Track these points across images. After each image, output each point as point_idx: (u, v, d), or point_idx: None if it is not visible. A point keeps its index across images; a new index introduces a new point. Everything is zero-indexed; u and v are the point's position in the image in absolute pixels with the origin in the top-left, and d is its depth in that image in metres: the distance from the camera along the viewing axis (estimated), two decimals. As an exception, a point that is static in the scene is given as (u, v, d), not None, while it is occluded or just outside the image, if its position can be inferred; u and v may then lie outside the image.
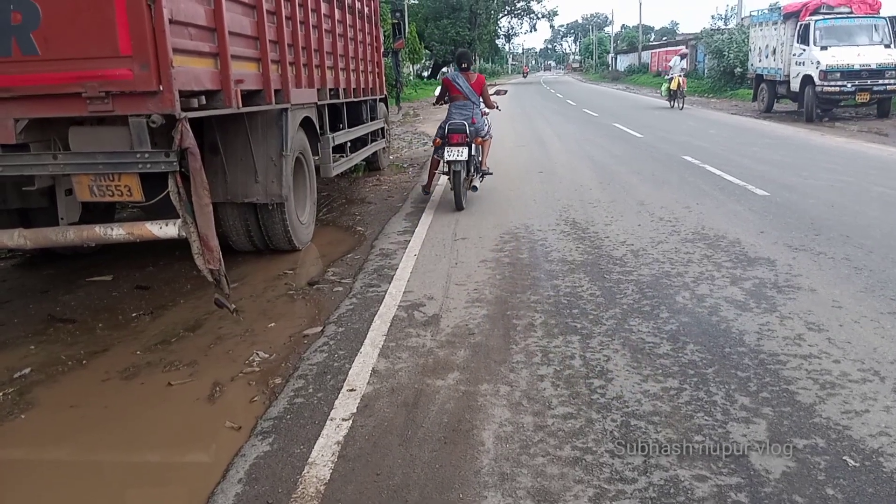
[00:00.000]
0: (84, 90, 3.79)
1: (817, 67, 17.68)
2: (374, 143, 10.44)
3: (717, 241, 6.01)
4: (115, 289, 5.52)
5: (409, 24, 41.81)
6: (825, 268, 5.11)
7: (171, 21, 3.87)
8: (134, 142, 3.92)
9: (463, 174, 7.67)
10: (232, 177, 5.80)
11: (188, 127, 3.90)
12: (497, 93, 9.49)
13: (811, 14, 18.83)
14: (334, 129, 8.01)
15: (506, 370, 3.61)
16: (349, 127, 8.72)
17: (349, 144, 8.57)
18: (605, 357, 3.71)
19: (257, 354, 4.04)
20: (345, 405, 3.31)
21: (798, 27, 18.90)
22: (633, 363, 3.62)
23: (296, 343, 4.22)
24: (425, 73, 56.36)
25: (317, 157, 7.27)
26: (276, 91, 5.69)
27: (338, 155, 8.10)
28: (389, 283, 5.22)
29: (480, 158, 8.21)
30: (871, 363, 3.49)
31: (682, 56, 24.63)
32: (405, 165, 12.25)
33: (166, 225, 4.12)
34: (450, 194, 8.02)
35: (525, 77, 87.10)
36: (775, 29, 20.58)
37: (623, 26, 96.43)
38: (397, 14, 13.18)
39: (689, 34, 57.24)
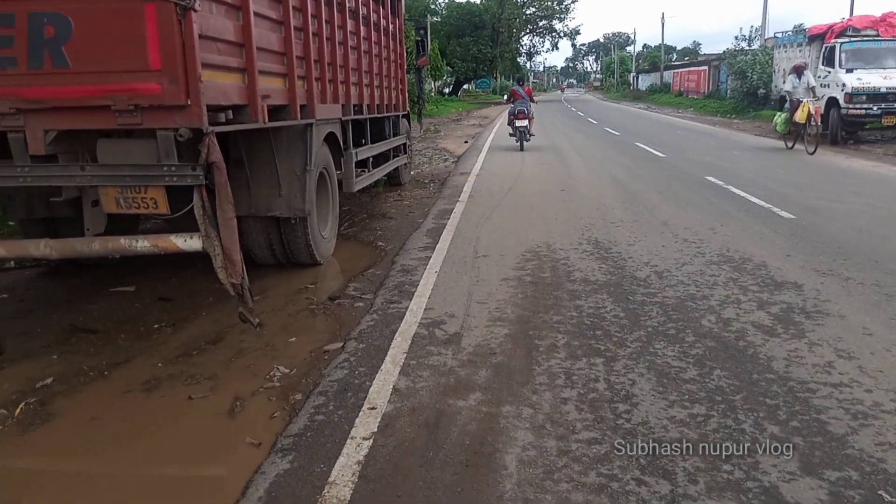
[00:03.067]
0: (113, 103, 3.82)
1: (842, 90, 17.51)
2: (396, 159, 10.47)
3: (742, 263, 5.92)
4: (138, 300, 5.55)
5: (431, 41, 42.14)
6: (854, 293, 5.01)
7: (200, 36, 3.89)
8: (161, 155, 3.94)
9: (527, 134, 16.46)
10: (256, 190, 5.82)
11: (215, 141, 3.92)
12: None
13: (837, 36, 18.71)
14: (357, 144, 8.05)
15: (528, 392, 3.56)
16: (372, 142, 8.75)
17: (371, 160, 8.60)
18: (630, 381, 3.64)
19: (278, 369, 4.02)
20: (365, 424, 3.27)
21: (823, 49, 18.77)
22: (658, 388, 3.55)
23: (316, 359, 4.20)
24: (446, 90, 56.64)
25: (339, 172, 7.29)
26: (301, 106, 5.71)
27: (360, 170, 8.13)
28: (410, 299, 5.20)
29: (529, 126, 16.60)
30: (905, 394, 3.39)
31: (799, 71, 16.00)
32: (426, 181, 12.26)
33: (191, 238, 4.13)
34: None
35: (562, 93, 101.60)
36: (800, 51, 20.48)
37: (645, 46, 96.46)
38: (421, 31, 13.24)
39: (712, 55, 57.15)
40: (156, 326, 4.90)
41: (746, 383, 3.57)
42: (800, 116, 14.94)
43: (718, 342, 4.16)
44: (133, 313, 5.23)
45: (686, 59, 71.24)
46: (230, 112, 4.41)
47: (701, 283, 5.40)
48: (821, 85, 18.79)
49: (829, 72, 18.35)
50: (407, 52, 13.22)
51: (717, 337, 4.25)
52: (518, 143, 16.49)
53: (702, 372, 3.73)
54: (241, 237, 6.18)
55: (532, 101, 17.12)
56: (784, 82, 17.98)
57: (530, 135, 16.66)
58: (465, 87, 65.93)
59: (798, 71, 15.89)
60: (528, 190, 10.56)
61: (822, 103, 18.44)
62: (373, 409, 3.41)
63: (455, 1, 57.77)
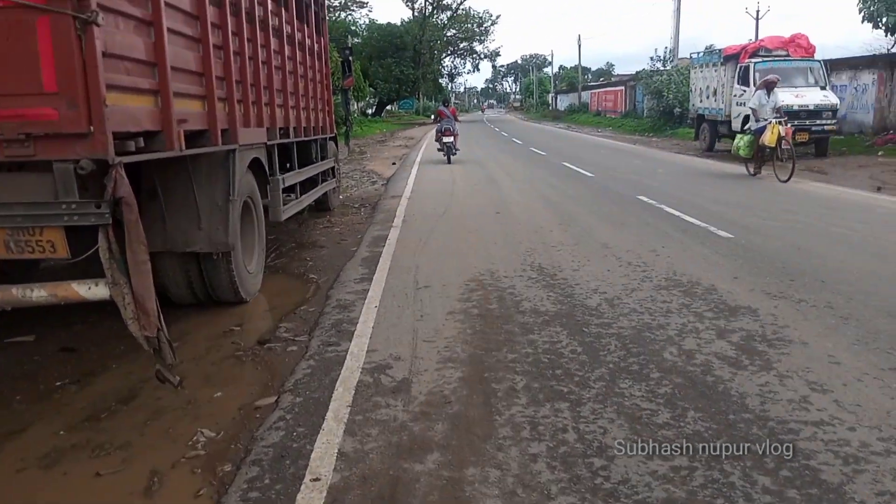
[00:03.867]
0: (0, 132, 3.27)
1: (758, 108, 18.14)
2: (324, 184, 9.99)
3: (692, 287, 5.75)
4: (38, 351, 4.88)
5: (353, 61, 41.74)
6: (810, 317, 4.88)
7: (105, 54, 3.39)
8: (59, 191, 3.40)
9: (453, 149, 18.30)
10: (172, 224, 5.27)
11: (123, 174, 3.41)
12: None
13: (750, 56, 19.39)
14: (284, 169, 7.56)
15: (492, 448, 3.18)
16: (299, 167, 8.27)
17: (299, 186, 8.11)
18: (601, 429, 3.32)
19: (202, 433, 3.51)
20: (309, 500, 2.82)
21: (738, 69, 19.41)
22: (632, 435, 3.24)
23: (246, 417, 3.70)
24: (370, 111, 56.30)
25: (265, 200, 6.78)
26: (222, 131, 5.22)
27: (288, 197, 7.63)
28: (350, 340, 4.75)
29: (455, 142, 18.46)
30: (890, 430, 3.20)
31: (770, 88, 13.71)
32: (356, 206, 11.81)
33: (96, 285, 3.58)
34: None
35: (483, 113, 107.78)
36: (715, 71, 21.13)
37: (561, 67, 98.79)
38: (346, 51, 12.84)
39: (626, 75, 58.92)
40: (58, 384, 4.28)
41: (724, 426, 3.30)
42: (769, 139, 12.97)
43: (685, 378, 3.90)
44: (32, 368, 4.57)
45: (601, 79, 73.29)
46: (141, 139, 3.89)
47: (654, 310, 5.17)
48: (737, 103, 19.45)
49: (745, 90, 18.97)
50: (332, 73, 12.81)
51: (682, 372, 3.99)
52: (446, 157, 18.57)
53: (675, 414, 3.45)
54: (155, 275, 5.67)
55: (456, 120, 19.59)
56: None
57: (456, 149, 18.78)
58: (389, 107, 65.76)
59: (768, 87, 13.77)
60: (462, 212, 10.27)
61: (739, 121, 19.09)
62: (316, 480, 2.96)
63: (376, 22, 57.69)
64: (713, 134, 21.40)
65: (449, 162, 18.25)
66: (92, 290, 3.58)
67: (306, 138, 8.55)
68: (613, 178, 14.18)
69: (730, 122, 20.00)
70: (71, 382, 4.29)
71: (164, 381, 3.63)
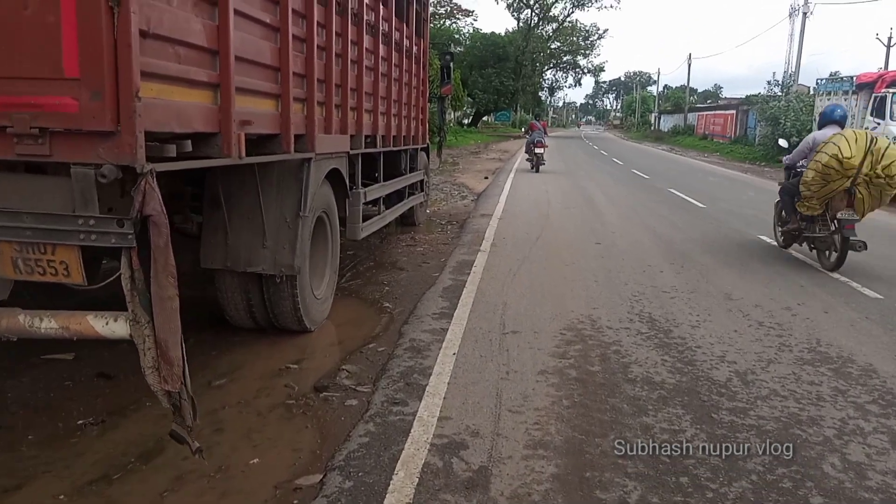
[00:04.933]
0: (10, 123, 2.64)
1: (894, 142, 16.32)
2: (411, 198, 9.28)
3: (843, 366, 4.63)
4: (73, 373, 4.30)
5: (452, 70, 41.31)
6: None
7: (144, 34, 2.72)
8: (76, 202, 2.74)
9: (541, 159, 20.07)
10: (235, 239, 4.63)
11: (154, 185, 2.71)
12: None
13: (888, 86, 17.57)
14: (367, 181, 6.88)
15: None
16: (384, 180, 7.56)
17: (383, 200, 7.40)
18: None
19: (224, 520, 2.76)
20: None
21: (873, 99, 17.62)
22: None
23: (282, 501, 2.94)
24: (466, 121, 55.87)
25: (342, 213, 6.08)
26: (297, 137, 4.53)
27: (369, 212, 6.93)
28: (420, 399, 3.93)
29: (542, 154, 20.36)
30: None
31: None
32: (443, 222, 11.05)
33: (115, 320, 2.90)
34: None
35: (580, 129, 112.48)
36: (845, 99, 19.34)
37: (665, 87, 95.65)
38: (447, 57, 12.13)
39: (734, 98, 56.07)
40: (80, 422, 3.65)
41: None
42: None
43: (864, 513, 2.87)
44: (59, 396, 3.99)
45: (708, 101, 70.35)
46: (188, 142, 3.20)
47: (801, 395, 4.11)
48: (869, 137, 17.62)
49: (879, 123, 17.19)
50: (430, 80, 12.14)
51: (854, 501, 2.96)
52: (534, 168, 20.57)
53: (860, 579, 2.44)
54: (214, 293, 5.06)
55: (546, 134, 21.93)
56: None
57: (543, 160, 20.66)
58: (485, 118, 65.19)
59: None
60: (558, 240, 9.32)
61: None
62: None
63: (479, 31, 57.19)
64: (838, 168, 19.56)
65: (537, 171, 20.23)
66: (110, 327, 2.91)
67: (395, 148, 7.85)
68: (728, 211, 12.86)
69: (859, 157, 18.16)
70: (94, 423, 3.66)
71: (181, 442, 2.92)
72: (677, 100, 72.04)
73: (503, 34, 57.42)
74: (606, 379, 4.30)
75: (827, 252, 7.73)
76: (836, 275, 7.40)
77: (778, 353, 4.87)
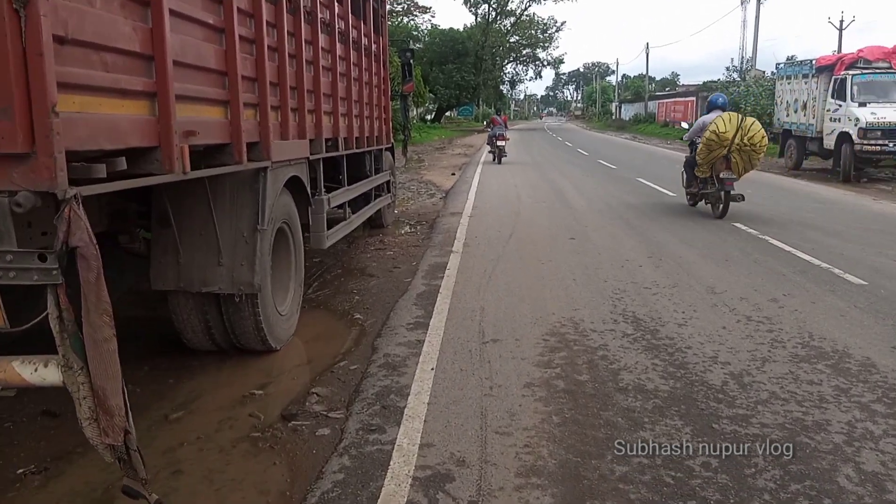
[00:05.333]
0: None
1: (856, 125, 16.39)
2: (378, 200, 8.93)
3: (840, 361, 4.44)
4: (15, 413, 3.91)
5: (413, 67, 40.90)
6: None
7: (61, 40, 2.36)
8: (-10, 234, 2.38)
9: (503, 152, 20.88)
10: (187, 257, 4.27)
11: (81, 213, 2.36)
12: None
13: (847, 68, 17.63)
14: (330, 185, 6.53)
15: None
16: (349, 184, 7.22)
17: (348, 205, 7.05)
18: None
19: (181, 589, 2.42)
20: None
21: (833, 82, 17.67)
22: None
23: (249, 558, 2.61)
24: (429, 117, 55.52)
25: (305, 222, 5.74)
26: (250, 145, 4.18)
27: (335, 216, 6.58)
28: (399, 423, 3.62)
29: (504, 146, 21.10)
30: None
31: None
32: (412, 222, 10.73)
33: (45, 366, 2.53)
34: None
35: (543, 120, 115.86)
36: (805, 83, 19.38)
37: (624, 76, 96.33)
38: (407, 54, 11.79)
39: (691, 85, 56.55)
40: (20, 471, 3.28)
41: None
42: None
43: (890, 532, 2.63)
44: (-2, 440, 3.60)
45: (667, 89, 70.81)
46: (123, 160, 2.84)
47: (802, 397, 3.89)
48: (830, 119, 17.71)
49: (840, 105, 17.25)
50: (391, 78, 11.80)
51: (879, 518, 2.73)
52: (496, 161, 21.34)
53: None
54: (168, 316, 4.67)
55: (506, 127, 23.12)
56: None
57: (504, 154, 21.51)
58: (448, 114, 64.92)
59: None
60: (531, 236, 9.06)
61: (833, 138, 17.36)
62: None
63: (438, 28, 56.88)
64: (801, 151, 19.68)
65: (499, 163, 21.03)
66: (39, 373, 2.54)
67: (359, 150, 7.50)
68: (698, 198, 12.73)
69: (821, 138, 18.25)
70: (36, 471, 3.29)
71: (134, 496, 2.57)
72: (637, 88, 72.58)
73: (462, 30, 57.27)
74: (597, 389, 4.03)
75: (717, 205, 10.20)
76: (814, 259, 7.28)
77: (771, 350, 4.66)
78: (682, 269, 7.04)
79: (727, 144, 9.48)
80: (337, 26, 6.33)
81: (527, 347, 4.74)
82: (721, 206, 10.03)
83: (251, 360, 4.68)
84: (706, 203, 10.58)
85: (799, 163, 19.78)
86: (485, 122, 29.45)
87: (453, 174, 18.60)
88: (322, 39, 5.81)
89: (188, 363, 4.65)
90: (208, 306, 4.48)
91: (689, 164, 10.77)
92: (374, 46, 8.36)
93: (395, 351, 4.76)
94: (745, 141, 9.41)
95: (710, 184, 10.21)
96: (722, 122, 9.52)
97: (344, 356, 4.76)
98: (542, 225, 10.03)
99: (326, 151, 6.17)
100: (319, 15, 5.68)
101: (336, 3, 6.36)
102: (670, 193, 13.34)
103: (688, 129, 12.15)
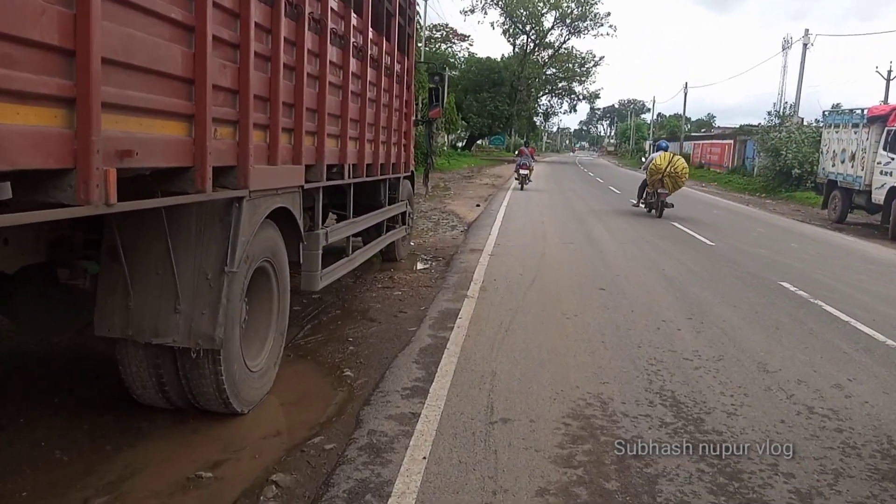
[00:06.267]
0: None
1: (909, 179, 15.41)
2: (390, 233, 8.19)
3: (936, 482, 3.53)
4: None
5: (447, 93, 40.55)
6: None
7: None
8: None
9: (527, 180, 23.96)
10: (138, 300, 3.53)
11: None
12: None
13: (901, 120, 16.66)
14: (341, 213, 5.82)
15: None
16: (360, 213, 6.49)
17: (352, 238, 6.31)
18: None
19: None
20: None
21: (886, 133, 16.69)
22: None
23: None
24: (460, 144, 55.11)
25: (295, 257, 4.99)
26: (221, 169, 3.45)
27: (335, 249, 5.84)
28: (371, 541, 2.80)
29: (529, 174, 24.20)
30: None
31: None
32: (428, 257, 9.96)
33: None
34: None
35: (574, 154, 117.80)
36: (855, 132, 18.41)
37: (659, 115, 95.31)
38: (436, 78, 11.14)
39: (727, 127, 55.47)
40: None
41: None
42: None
43: None
44: None
45: (703, 130, 69.72)
46: (7, 186, 2.11)
47: (895, 537, 3.00)
48: (881, 172, 16.71)
49: (893, 158, 16.29)
50: (418, 102, 11.15)
51: None
52: (520, 186, 24.00)
53: None
54: (116, 365, 3.94)
55: (533, 158, 26.52)
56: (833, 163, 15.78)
57: (528, 181, 24.31)
58: (479, 142, 64.46)
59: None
60: (556, 283, 8.24)
61: (883, 193, 16.34)
62: None
63: (475, 56, 56.64)
64: (846, 204, 18.62)
65: (522, 189, 23.52)
66: None
67: (370, 178, 6.77)
68: (739, 249, 11.82)
69: (870, 192, 17.24)
70: None
71: None
72: (672, 128, 71.46)
73: (499, 59, 56.89)
74: (627, 505, 3.18)
75: (655, 210, 16.27)
76: (878, 334, 6.36)
77: (844, 459, 3.77)
78: (726, 336, 6.15)
79: (661, 173, 15.43)
80: (352, 40, 5.63)
81: (543, 434, 3.90)
82: (658, 209, 16.17)
83: (211, 425, 3.91)
84: (649, 210, 16.90)
85: (843, 216, 18.73)
86: (515, 152, 31.03)
87: (478, 205, 17.84)
88: (332, 52, 5.12)
89: (136, 424, 3.90)
90: (162, 359, 3.72)
91: (643, 184, 17.52)
92: (397, 66, 7.67)
93: (383, 427, 3.94)
94: (672, 171, 15.40)
95: (653, 196, 16.41)
96: (659, 159, 15.69)
97: (321, 429, 3.96)
98: (569, 270, 9.19)
99: (330, 179, 5.44)
100: (330, 25, 4.98)
101: (353, 15, 5.68)
102: (709, 242, 12.42)
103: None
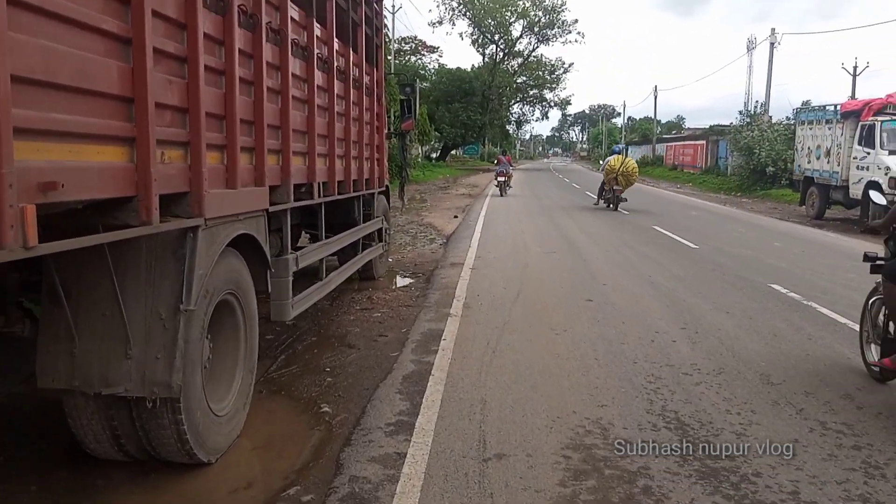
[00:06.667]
0: None
1: (886, 173, 15.37)
2: (366, 251, 7.83)
3: (971, 503, 3.25)
4: None
5: (419, 105, 40.30)
6: None
7: None
8: None
9: (506, 186, 24.68)
10: (84, 347, 3.15)
11: None
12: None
13: (875, 114, 16.67)
14: (314, 232, 5.46)
15: None
16: (330, 234, 6.13)
17: (325, 261, 5.94)
18: None
19: None
20: None
21: (860, 128, 16.70)
22: None
23: None
24: (434, 155, 54.85)
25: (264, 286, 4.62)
26: (171, 197, 3.10)
27: (308, 270, 5.48)
28: None
29: (507, 181, 25.01)
30: None
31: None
32: (407, 273, 9.61)
33: None
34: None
35: (549, 160, 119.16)
36: (829, 128, 18.42)
37: (630, 118, 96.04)
38: (407, 89, 10.81)
39: (697, 128, 55.81)
40: None
41: None
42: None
43: None
44: None
45: (673, 132, 70.14)
46: None
47: (941, 574, 2.70)
48: (857, 167, 16.69)
49: (868, 153, 16.29)
50: (390, 114, 10.84)
51: None
52: (500, 192, 24.88)
53: None
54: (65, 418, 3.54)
55: (511, 165, 27.77)
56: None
57: (508, 187, 25.45)
58: (453, 152, 64.26)
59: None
60: (542, 296, 7.93)
61: (860, 187, 16.31)
62: None
63: (445, 67, 56.58)
64: (824, 200, 18.58)
65: (503, 195, 24.47)
66: None
67: (342, 196, 6.42)
68: (723, 251, 11.61)
69: (846, 187, 17.22)
70: None
71: None
72: (644, 131, 72.02)
73: (469, 69, 56.86)
74: (642, 553, 2.85)
75: (612, 204, 19.11)
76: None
77: (868, 482, 3.47)
78: (723, 346, 5.87)
79: (615, 172, 18.78)
80: (316, 51, 5.29)
81: (542, 470, 3.56)
82: (614, 203, 19.28)
83: (174, 479, 3.53)
84: (608, 205, 19.64)
85: (821, 212, 18.70)
86: (494, 160, 35.02)
87: (456, 216, 17.54)
88: (295, 64, 4.78)
89: (91, 480, 3.51)
90: (115, 410, 3.33)
91: (602, 185, 20.26)
92: (366, 78, 7.33)
93: (366, 472, 3.57)
94: (624, 170, 18.76)
95: (609, 192, 19.43)
96: (614, 160, 19.17)
97: (298, 477, 3.58)
98: (554, 281, 8.89)
99: (298, 199, 5.09)
100: (291, 35, 4.64)
101: (317, 25, 5.35)
102: (692, 245, 12.21)
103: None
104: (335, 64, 5.87)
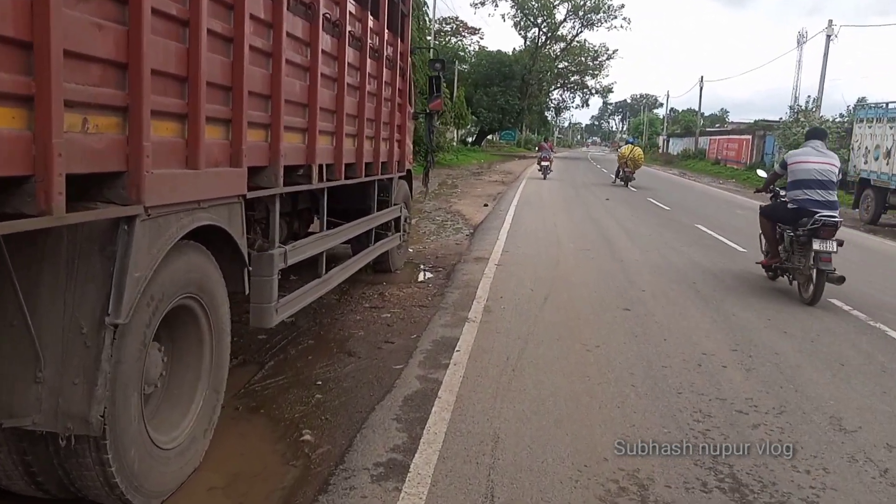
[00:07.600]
0: None
1: (955, 179, 14.19)
2: (379, 243, 7.08)
3: None
4: None
5: (457, 88, 39.30)
6: None
7: None
8: None
9: (548, 170, 27.81)
10: (-18, 367, 2.44)
11: None
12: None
13: (945, 114, 15.42)
14: (298, 224, 4.73)
15: None
16: (330, 227, 5.39)
17: (326, 255, 5.21)
18: None
19: None
20: None
21: (927, 128, 15.47)
22: None
23: None
24: (470, 139, 53.95)
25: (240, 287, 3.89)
26: (101, 177, 2.38)
27: (301, 269, 4.75)
28: None
29: (550, 166, 28.12)
30: None
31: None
32: (427, 267, 8.86)
33: None
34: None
35: (587, 149, 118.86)
36: (891, 128, 17.13)
37: (672, 110, 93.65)
38: (437, 65, 9.94)
39: (741, 123, 53.89)
40: None
41: None
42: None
43: None
44: None
45: (717, 125, 68.01)
46: None
47: None
48: (922, 171, 15.47)
49: (936, 155, 15.03)
50: (417, 92, 10.04)
51: None
52: (542, 176, 27.18)
53: None
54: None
55: (552, 151, 31.27)
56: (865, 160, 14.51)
57: (549, 171, 27.72)
58: (490, 137, 63.22)
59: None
60: (573, 302, 7.11)
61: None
62: None
63: (485, 49, 55.44)
64: (880, 204, 17.35)
65: (544, 178, 26.92)
66: None
67: (352, 181, 5.67)
68: (773, 257, 10.62)
69: (906, 191, 16.03)
70: None
71: None
72: (687, 123, 69.88)
73: (510, 53, 55.71)
74: None
75: (626, 181, 25.44)
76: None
77: None
78: (783, 376, 5.02)
79: (625, 158, 24.94)
80: (323, 10, 4.52)
81: (562, 546, 2.79)
82: (625, 181, 25.20)
83: (104, 527, 2.83)
84: (623, 181, 25.39)
85: (877, 217, 17.48)
86: (536, 148, 36.51)
87: (486, 205, 16.72)
88: (292, 22, 4.02)
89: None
90: (28, 443, 2.65)
91: (618, 166, 26.02)
92: (388, 49, 6.55)
93: (341, 533, 2.85)
94: (631, 156, 24.79)
95: (622, 173, 25.39)
96: (625, 149, 25.69)
97: (256, 534, 2.87)
98: (587, 284, 8.06)
99: (293, 183, 4.35)
100: (290, -12, 3.88)
101: (325, -20, 4.57)
102: (740, 249, 11.27)
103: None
104: (347, 28, 5.09)
